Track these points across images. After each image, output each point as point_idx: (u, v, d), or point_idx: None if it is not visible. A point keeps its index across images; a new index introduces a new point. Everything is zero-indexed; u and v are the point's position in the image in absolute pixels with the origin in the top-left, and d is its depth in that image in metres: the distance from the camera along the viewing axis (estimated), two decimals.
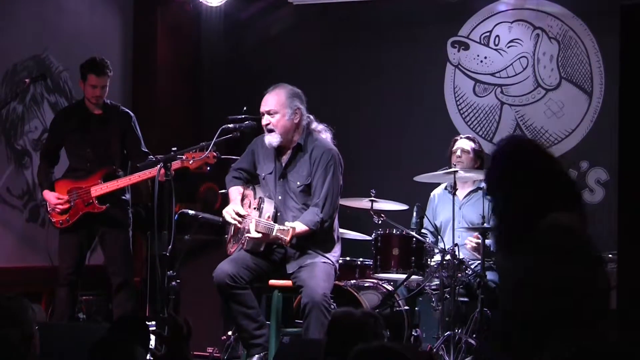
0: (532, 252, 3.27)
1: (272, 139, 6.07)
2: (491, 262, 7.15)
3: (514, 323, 3.33)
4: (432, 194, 7.51)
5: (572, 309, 3.17)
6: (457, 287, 6.66)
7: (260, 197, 6.16)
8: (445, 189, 7.36)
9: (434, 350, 6.52)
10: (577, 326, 3.16)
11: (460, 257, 6.70)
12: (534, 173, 3.42)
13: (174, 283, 6.06)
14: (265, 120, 6.09)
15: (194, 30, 9.04)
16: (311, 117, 6.21)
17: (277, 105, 6.07)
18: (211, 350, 7.19)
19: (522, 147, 3.57)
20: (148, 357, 4.49)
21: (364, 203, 7.03)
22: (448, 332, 6.52)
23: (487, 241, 6.92)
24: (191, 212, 7.17)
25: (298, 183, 6.09)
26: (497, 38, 8.21)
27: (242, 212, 6.12)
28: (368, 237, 7.12)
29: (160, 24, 8.66)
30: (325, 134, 6.24)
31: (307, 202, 6.08)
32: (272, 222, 5.88)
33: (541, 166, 3.44)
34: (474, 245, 6.96)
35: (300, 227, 5.87)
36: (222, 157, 6.47)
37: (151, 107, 8.51)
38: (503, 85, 8.18)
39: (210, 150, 6.15)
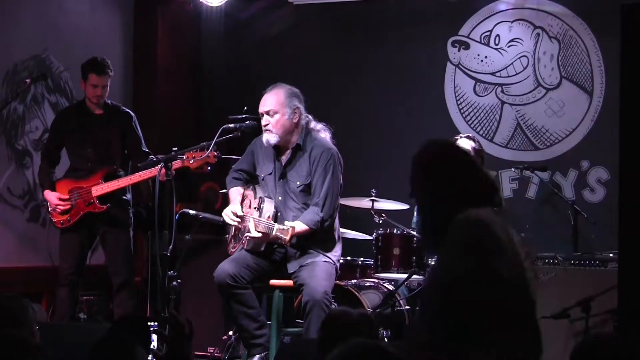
0: (445, 247, 3.44)
1: (270, 138, 6.06)
2: None
3: (428, 318, 3.46)
4: None
5: (484, 302, 3.29)
6: None
7: (260, 197, 6.16)
8: None
9: None
10: (490, 319, 3.29)
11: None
12: (449, 173, 3.61)
13: (174, 283, 6.07)
14: (264, 120, 6.09)
15: (195, 30, 9.04)
16: (309, 116, 6.20)
17: (276, 105, 6.06)
18: (212, 350, 7.20)
19: (438, 149, 3.78)
20: (150, 357, 4.49)
21: (364, 202, 7.03)
22: None
23: None
24: (192, 212, 7.17)
25: (298, 183, 6.09)
26: (497, 37, 8.21)
27: (240, 213, 6.12)
28: (369, 237, 7.12)
29: (160, 24, 8.66)
30: (324, 133, 6.24)
31: (307, 201, 6.08)
32: (272, 222, 5.88)
33: (456, 166, 3.62)
34: None
35: (300, 226, 5.88)
36: (223, 156, 6.47)
37: (152, 107, 8.51)
38: (503, 84, 8.17)
39: (211, 150, 6.15)
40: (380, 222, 6.95)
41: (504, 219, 3.52)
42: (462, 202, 3.50)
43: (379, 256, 6.87)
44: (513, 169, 7.96)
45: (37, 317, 4.08)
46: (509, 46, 8.16)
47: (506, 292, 3.33)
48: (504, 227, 3.47)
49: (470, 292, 3.31)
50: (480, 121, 8.21)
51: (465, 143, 7.33)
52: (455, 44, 8.34)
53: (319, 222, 5.96)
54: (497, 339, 3.29)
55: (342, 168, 6.17)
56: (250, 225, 5.94)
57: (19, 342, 3.08)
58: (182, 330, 3.63)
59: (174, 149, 6.08)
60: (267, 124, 6.07)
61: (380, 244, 6.89)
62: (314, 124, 6.21)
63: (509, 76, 8.16)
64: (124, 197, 6.85)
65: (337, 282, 6.36)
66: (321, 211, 5.98)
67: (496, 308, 3.31)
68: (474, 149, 7.32)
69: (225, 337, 6.98)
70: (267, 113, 6.07)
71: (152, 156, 6.35)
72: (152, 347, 5.20)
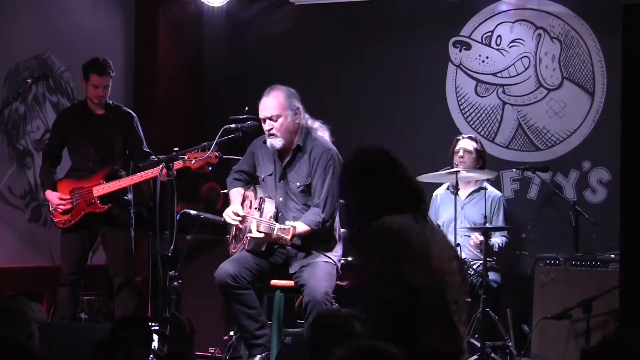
0: (362, 251, 3.69)
1: (275, 142, 6.05)
2: (493, 262, 7.16)
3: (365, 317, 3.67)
4: (434, 193, 7.51)
5: (396, 303, 3.49)
6: None
7: (261, 197, 6.16)
8: (448, 189, 7.36)
9: None
10: (405, 319, 3.48)
11: (463, 257, 6.70)
12: (372, 181, 3.78)
13: (175, 283, 6.08)
14: (267, 125, 6.05)
15: (196, 31, 9.04)
16: (307, 114, 6.19)
17: (278, 109, 6.03)
18: (213, 351, 7.20)
19: (364, 158, 3.91)
20: (151, 358, 4.49)
21: None
22: None
23: (491, 240, 6.93)
24: (193, 212, 7.17)
25: (298, 184, 6.08)
26: (498, 38, 8.20)
27: (241, 213, 6.12)
28: None
29: (162, 24, 8.66)
30: (322, 132, 6.23)
31: (308, 202, 6.08)
32: (273, 222, 5.88)
33: (379, 175, 3.81)
34: (477, 242, 6.97)
35: (301, 227, 5.88)
36: (224, 157, 6.46)
37: (153, 107, 8.51)
38: (505, 85, 8.17)
39: (212, 150, 6.15)
40: None
41: (424, 226, 3.70)
42: (382, 209, 3.68)
43: None
44: (514, 170, 7.96)
45: (37, 317, 4.07)
46: (510, 47, 8.16)
47: (418, 295, 3.50)
48: (423, 233, 3.64)
49: (382, 294, 3.51)
50: (482, 122, 8.20)
51: (467, 144, 7.34)
52: (457, 45, 8.33)
53: (320, 223, 5.96)
54: (414, 338, 3.46)
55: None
56: (252, 225, 5.94)
57: (11, 342, 3.08)
58: (183, 331, 3.63)
59: (175, 149, 6.08)
60: (271, 129, 6.04)
61: None
62: (311, 122, 6.20)
63: (510, 77, 8.16)
64: (125, 197, 6.85)
65: (338, 282, 6.35)
66: (322, 212, 5.98)
67: (409, 309, 3.48)
68: (475, 149, 7.32)
69: (226, 337, 6.98)
70: (270, 118, 6.04)
71: (153, 156, 6.35)
72: (153, 347, 5.19)
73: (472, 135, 7.53)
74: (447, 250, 3.75)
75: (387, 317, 3.50)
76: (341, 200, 4.14)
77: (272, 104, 6.05)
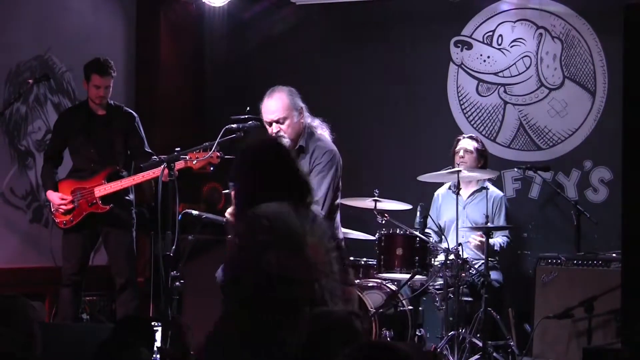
0: (236, 235, 3.93)
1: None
2: (495, 262, 7.16)
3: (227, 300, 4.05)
4: (435, 193, 7.52)
5: (257, 287, 3.72)
6: (461, 287, 6.66)
7: None
8: (449, 188, 7.37)
9: (438, 349, 6.52)
10: (266, 303, 3.69)
11: (464, 257, 6.71)
12: (261, 170, 4.02)
13: (177, 283, 6.06)
14: (274, 128, 5.97)
15: (197, 31, 9.04)
16: (307, 112, 6.16)
17: (283, 111, 5.98)
18: None
19: (257, 148, 4.19)
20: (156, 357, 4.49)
21: (367, 203, 7.03)
22: (452, 332, 6.52)
23: (491, 240, 6.92)
24: (195, 212, 7.16)
25: None
26: (500, 37, 8.20)
27: None
28: (372, 237, 7.12)
29: (163, 24, 8.66)
30: (321, 130, 6.21)
31: None
32: None
33: (262, 166, 4.03)
34: (478, 243, 6.97)
35: None
36: (226, 157, 6.46)
37: (154, 108, 8.51)
38: (506, 84, 8.17)
39: (213, 150, 6.14)
40: (383, 222, 6.95)
41: (304, 217, 3.91)
42: (265, 197, 3.90)
43: (382, 256, 6.88)
44: (516, 169, 7.96)
45: (38, 316, 4.08)
46: (511, 46, 8.16)
47: (284, 281, 3.71)
48: (300, 223, 3.86)
49: (246, 277, 3.75)
50: (483, 121, 8.20)
51: (467, 143, 7.34)
52: (458, 44, 8.33)
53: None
54: (278, 322, 3.70)
55: (342, 170, 6.13)
56: None
57: (16, 342, 3.08)
58: (184, 337, 3.67)
59: (176, 149, 6.07)
60: (278, 131, 6.00)
61: (383, 244, 6.89)
62: (311, 120, 6.17)
63: (511, 76, 8.16)
64: (127, 198, 6.86)
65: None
66: (322, 208, 5.97)
67: (275, 294, 3.70)
68: (476, 149, 7.33)
69: None
70: (277, 121, 5.99)
71: (155, 156, 6.34)
72: (155, 346, 5.19)
73: (473, 135, 7.53)
74: (325, 242, 3.94)
75: (250, 301, 3.72)
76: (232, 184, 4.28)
77: (277, 106, 5.99)
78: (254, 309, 3.70)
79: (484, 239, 6.80)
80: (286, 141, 6.03)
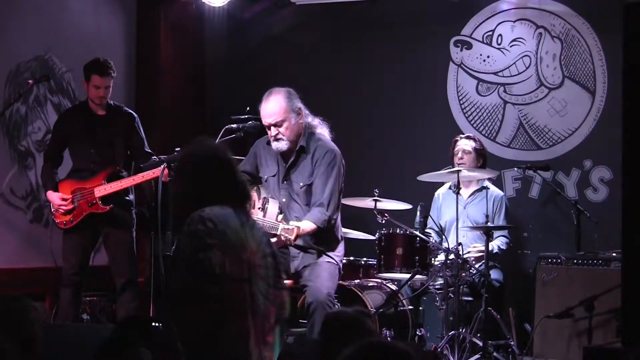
0: (180, 237, 4.07)
1: (281, 145, 6.04)
2: (495, 262, 7.16)
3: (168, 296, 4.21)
4: (436, 193, 7.52)
5: (199, 286, 3.88)
6: (461, 287, 6.67)
7: (264, 197, 6.16)
8: (450, 188, 7.37)
9: (439, 349, 6.53)
10: (206, 303, 3.87)
11: (464, 257, 6.71)
12: (198, 175, 4.16)
13: None
14: (273, 131, 6.01)
15: (197, 31, 9.03)
16: (306, 111, 6.17)
17: (281, 114, 6.00)
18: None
19: (195, 153, 4.31)
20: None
21: (367, 202, 7.03)
22: (452, 332, 6.52)
23: (490, 245, 6.92)
24: None
25: (301, 184, 6.08)
26: (499, 37, 8.21)
27: None
28: (372, 237, 7.12)
29: (163, 25, 8.66)
30: (321, 129, 6.22)
31: (310, 202, 6.08)
32: (276, 222, 5.88)
33: (205, 170, 4.17)
34: (477, 255, 6.98)
35: (307, 225, 5.87)
36: None
37: (154, 108, 8.50)
38: (506, 84, 8.17)
39: None
40: (383, 222, 6.94)
41: (245, 221, 4.11)
42: (207, 201, 4.07)
43: (382, 256, 6.88)
44: (516, 169, 7.96)
45: (41, 317, 4.08)
46: (511, 46, 8.16)
47: (224, 282, 3.91)
48: (241, 227, 4.06)
49: (189, 277, 3.89)
50: (483, 121, 8.20)
51: (464, 144, 7.34)
52: (458, 44, 8.34)
53: (326, 221, 5.96)
54: (216, 322, 3.89)
55: (345, 169, 6.17)
56: None
57: (18, 344, 3.08)
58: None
59: (176, 149, 6.08)
60: (277, 134, 6.02)
61: (383, 244, 6.89)
62: (311, 119, 6.19)
63: (511, 76, 8.16)
64: (127, 198, 6.86)
65: (341, 282, 6.37)
66: (327, 210, 5.98)
67: (210, 294, 3.88)
68: (474, 148, 7.32)
69: None
70: (275, 124, 6.01)
71: (155, 157, 6.35)
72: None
73: (471, 135, 7.52)
74: (263, 246, 4.14)
75: (190, 300, 3.88)
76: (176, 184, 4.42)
77: (275, 109, 6.00)
78: (194, 306, 3.88)
79: (482, 248, 6.81)
80: (284, 143, 6.04)
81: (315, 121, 6.22)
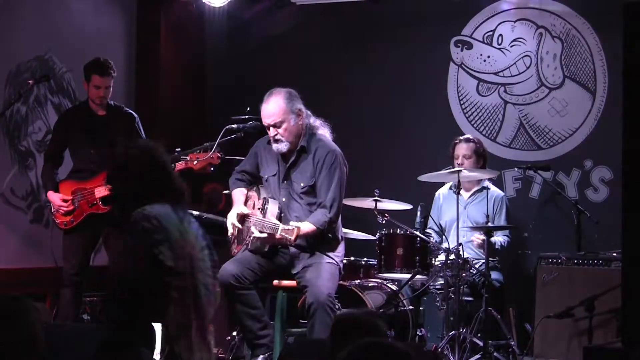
0: (125, 235, 4.32)
1: (281, 147, 6.05)
2: (496, 262, 7.16)
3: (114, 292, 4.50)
4: (437, 193, 7.52)
5: (148, 281, 4.14)
6: (462, 287, 6.66)
7: (264, 198, 6.16)
8: (450, 188, 7.36)
9: (439, 349, 6.52)
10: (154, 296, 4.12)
11: (465, 257, 6.71)
12: (135, 174, 4.37)
13: None
14: (272, 132, 6.04)
15: (198, 31, 9.03)
16: (308, 112, 6.19)
17: (280, 115, 6.02)
18: (216, 351, 7.19)
19: (131, 153, 4.47)
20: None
21: (367, 203, 7.03)
22: (453, 332, 6.52)
23: (492, 239, 6.92)
24: (195, 212, 7.16)
25: (302, 184, 6.08)
26: (500, 37, 8.21)
27: (246, 211, 6.13)
28: (372, 237, 7.12)
29: (163, 25, 8.65)
30: (323, 130, 6.23)
31: (311, 202, 6.08)
32: (277, 222, 5.88)
33: (142, 169, 4.37)
34: (480, 242, 6.97)
35: (307, 226, 5.87)
36: (226, 157, 6.47)
37: (155, 108, 8.50)
38: (506, 84, 8.17)
39: (214, 151, 6.16)
40: (384, 222, 6.94)
41: (182, 216, 4.36)
42: (145, 198, 4.29)
43: (383, 256, 6.88)
44: (516, 169, 7.96)
45: (42, 318, 4.07)
46: (511, 46, 8.16)
47: (172, 274, 4.15)
48: (180, 222, 4.31)
49: (138, 272, 4.14)
50: (484, 121, 8.20)
51: (463, 149, 7.32)
52: (458, 44, 8.34)
53: (327, 223, 5.96)
54: (162, 313, 4.14)
55: (347, 169, 6.18)
56: (256, 225, 5.95)
57: (18, 344, 3.09)
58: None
59: (177, 149, 6.09)
60: (275, 134, 6.04)
61: (383, 244, 6.89)
62: (313, 120, 6.20)
63: (512, 76, 8.16)
64: None
65: (341, 282, 6.36)
66: (329, 212, 5.98)
67: (162, 286, 4.12)
68: (474, 151, 7.31)
69: (229, 337, 6.98)
70: (274, 125, 6.04)
71: None
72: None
73: (470, 137, 7.46)
74: (200, 240, 4.40)
75: (139, 295, 4.12)
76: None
77: (274, 110, 6.03)
78: (142, 299, 4.13)
79: (484, 238, 6.81)
80: (284, 145, 6.05)
81: (317, 122, 6.23)
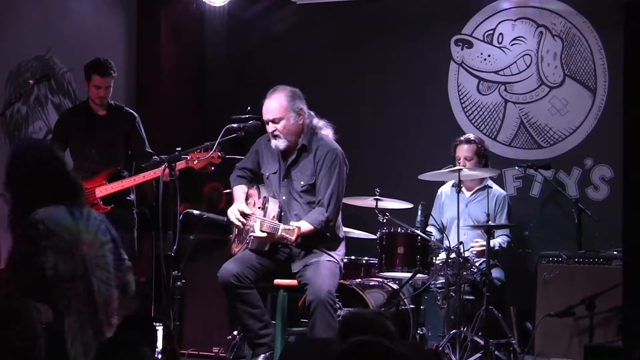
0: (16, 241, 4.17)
1: (279, 143, 6.07)
2: (496, 260, 7.16)
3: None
4: (439, 190, 7.52)
5: (32, 287, 4.07)
6: (463, 285, 6.66)
7: (264, 197, 6.16)
8: (453, 186, 7.36)
9: (440, 348, 6.52)
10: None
11: (466, 255, 6.70)
12: (26, 176, 4.22)
13: (179, 283, 6.08)
14: (270, 127, 6.08)
15: (198, 31, 9.04)
16: (312, 113, 6.20)
17: (280, 112, 6.04)
18: (217, 350, 7.20)
19: (20, 154, 4.39)
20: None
21: (368, 202, 7.03)
22: (454, 330, 6.52)
23: (491, 242, 6.91)
24: (196, 212, 7.17)
25: (302, 183, 6.09)
26: (500, 36, 8.20)
27: (247, 211, 6.13)
28: (373, 236, 7.12)
29: (164, 24, 8.66)
30: (326, 130, 6.24)
31: (311, 201, 6.09)
32: (277, 222, 5.89)
33: (33, 171, 4.22)
34: (479, 249, 6.97)
35: (305, 226, 5.88)
36: (227, 156, 6.47)
37: (155, 108, 8.50)
38: (507, 83, 8.17)
39: (214, 150, 6.16)
40: (385, 221, 6.94)
41: (79, 216, 4.23)
42: (38, 201, 4.15)
43: (383, 255, 6.87)
44: (517, 168, 7.96)
45: (43, 318, 4.09)
46: (512, 44, 8.16)
47: (60, 282, 4.09)
48: (75, 223, 4.19)
49: (24, 280, 4.08)
50: (484, 120, 8.20)
51: (464, 151, 7.31)
52: (459, 43, 8.33)
53: (324, 222, 5.97)
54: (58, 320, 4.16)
55: (348, 168, 6.18)
56: (256, 225, 5.95)
57: (19, 343, 3.09)
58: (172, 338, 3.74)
59: (177, 149, 6.09)
60: (274, 131, 6.06)
61: (384, 243, 6.89)
62: (316, 121, 6.21)
63: (512, 74, 8.16)
64: (128, 198, 6.86)
65: (342, 281, 6.37)
66: (326, 211, 5.99)
67: (51, 294, 4.09)
68: (475, 152, 7.30)
69: (230, 336, 6.98)
70: (273, 121, 6.06)
71: (156, 157, 6.35)
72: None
73: (470, 137, 7.43)
74: (100, 236, 4.29)
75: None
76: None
77: (274, 106, 6.06)
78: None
79: (484, 243, 6.80)
80: (282, 142, 6.06)
81: (320, 123, 6.24)
